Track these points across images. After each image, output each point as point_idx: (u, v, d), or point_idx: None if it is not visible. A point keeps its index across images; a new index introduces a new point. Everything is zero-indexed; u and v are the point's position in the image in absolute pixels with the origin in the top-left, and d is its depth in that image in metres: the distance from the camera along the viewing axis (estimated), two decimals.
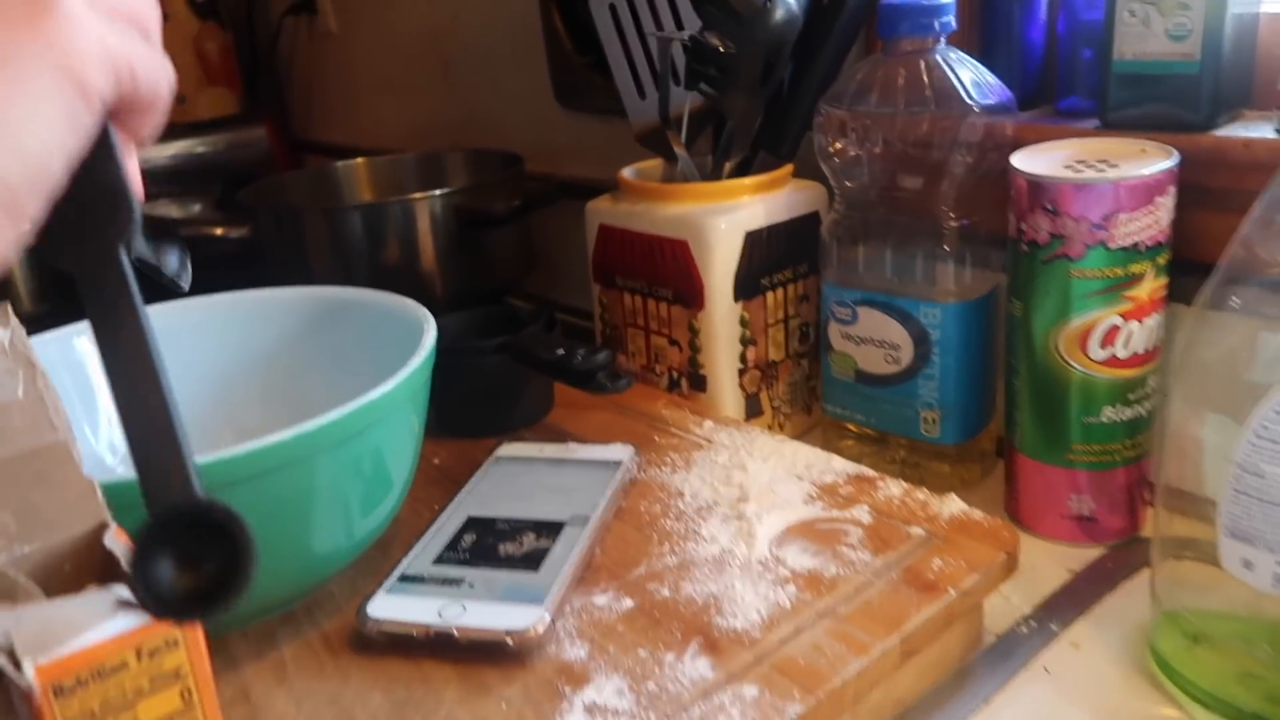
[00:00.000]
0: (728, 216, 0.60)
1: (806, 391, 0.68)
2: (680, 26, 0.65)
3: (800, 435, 0.68)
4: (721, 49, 0.55)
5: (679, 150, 0.64)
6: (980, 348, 0.57)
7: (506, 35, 0.97)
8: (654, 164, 0.70)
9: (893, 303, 0.57)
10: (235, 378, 0.55)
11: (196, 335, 0.54)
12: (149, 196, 1.11)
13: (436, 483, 0.55)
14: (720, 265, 0.60)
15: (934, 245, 0.55)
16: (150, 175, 1.12)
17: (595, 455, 0.53)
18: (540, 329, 0.61)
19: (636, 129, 0.69)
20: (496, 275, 0.88)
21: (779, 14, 0.53)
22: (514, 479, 0.52)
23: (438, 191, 0.81)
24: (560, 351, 0.55)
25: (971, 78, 0.53)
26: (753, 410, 0.64)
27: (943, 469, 0.59)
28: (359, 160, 1.00)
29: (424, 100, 1.13)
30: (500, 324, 0.66)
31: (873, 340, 0.58)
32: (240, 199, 0.90)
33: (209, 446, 0.54)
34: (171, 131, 1.33)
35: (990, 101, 0.53)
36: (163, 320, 0.55)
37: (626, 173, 0.67)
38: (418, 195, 0.81)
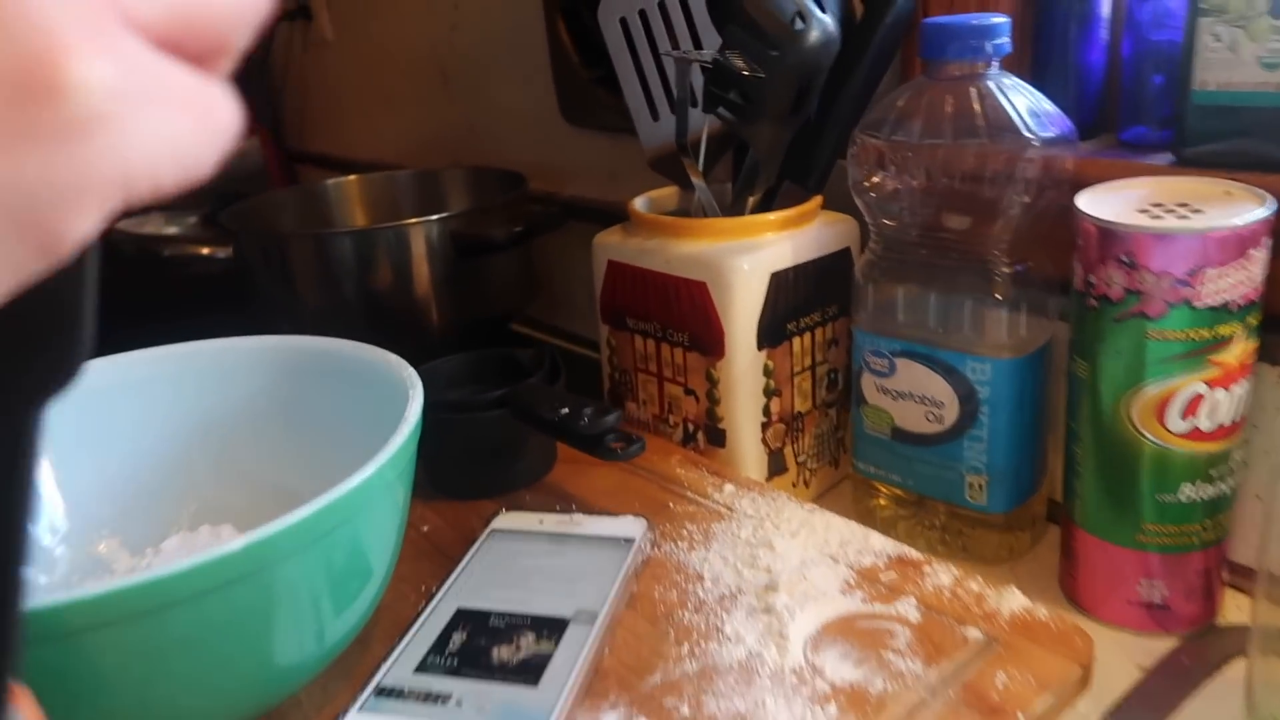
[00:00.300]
0: (751, 256, 0.54)
1: (834, 443, 0.62)
2: (698, 44, 0.59)
3: (826, 491, 0.62)
4: (747, 73, 0.49)
5: (697, 180, 0.58)
6: (1033, 406, 0.51)
7: (508, 47, 0.91)
8: (668, 192, 0.64)
9: (935, 355, 0.51)
10: (193, 440, 0.49)
11: (148, 391, 0.48)
12: (134, 210, 1.06)
13: (425, 555, 0.50)
14: (742, 310, 0.54)
15: (983, 293, 0.49)
16: None
17: (603, 530, 0.47)
18: (542, 379, 0.55)
19: (649, 154, 0.63)
20: (496, 304, 0.82)
21: (814, 36, 0.47)
22: (511, 559, 0.46)
23: (434, 216, 0.75)
24: (565, 410, 0.49)
25: (1028, 106, 0.47)
26: (776, 467, 0.58)
27: (989, 538, 0.53)
28: (351, 178, 0.94)
29: (422, 113, 1.07)
30: (498, 370, 0.60)
31: (912, 395, 0.52)
32: (222, 221, 0.85)
33: (162, 525, 0.48)
34: None
35: (1050, 133, 0.47)
36: (110, 375, 0.49)
37: (638, 204, 0.62)
38: (412, 220, 0.75)
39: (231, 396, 0.48)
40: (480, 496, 0.55)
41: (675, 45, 0.61)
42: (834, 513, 0.59)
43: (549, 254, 0.89)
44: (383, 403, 0.44)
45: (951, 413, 0.51)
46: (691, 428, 0.59)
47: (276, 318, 0.80)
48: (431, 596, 0.44)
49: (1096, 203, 0.44)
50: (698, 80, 0.55)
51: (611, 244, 0.60)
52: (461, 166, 0.94)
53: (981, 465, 0.51)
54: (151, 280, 1.04)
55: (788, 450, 0.59)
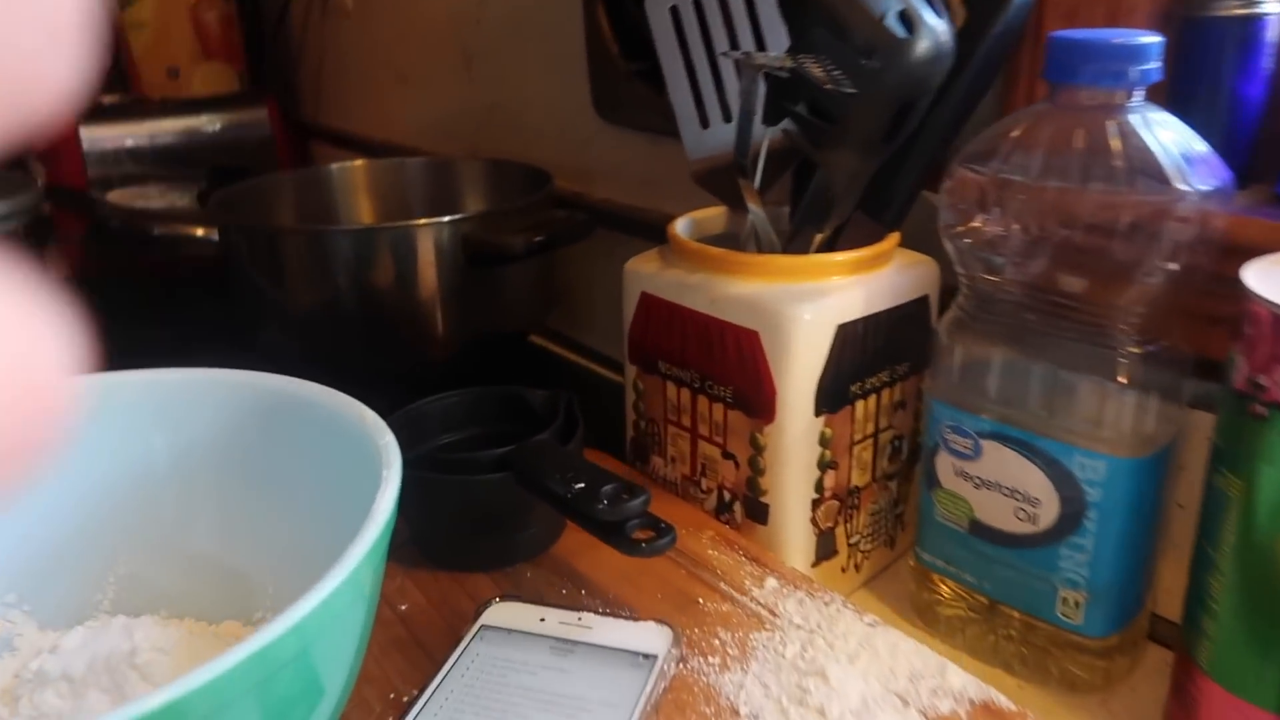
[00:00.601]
0: (814, 304, 0.45)
1: (891, 520, 0.53)
2: (761, 43, 0.50)
3: (879, 574, 0.53)
4: (831, 87, 0.40)
5: (754, 207, 0.49)
6: (1151, 514, 0.42)
7: (540, 29, 0.82)
8: (713, 213, 0.55)
9: (1035, 443, 0.42)
10: (123, 494, 0.40)
11: (73, 430, 0.39)
12: (131, 179, 0.96)
13: (398, 648, 0.41)
14: (801, 368, 0.45)
15: (1104, 373, 0.40)
16: (134, 156, 0.97)
17: (619, 641, 0.38)
18: (555, 435, 0.46)
19: (694, 166, 0.54)
20: (509, 318, 0.73)
21: (922, 47, 0.38)
22: (502, 673, 0.37)
23: (445, 218, 0.66)
24: (580, 485, 0.40)
25: (1181, 148, 0.38)
26: (825, 551, 0.49)
27: (1081, 662, 0.44)
28: (358, 164, 0.85)
29: (442, 94, 0.98)
30: (503, 412, 0.51)
31: (1000, 487, 0.43)
32: (209, 208, 0.76)
33: (80, 597, 0.38)
34: (161, 108, 1.19)
35: (1208, 185, 0.38)
36: None
37: (680, 227, 0.52)
38: (421, 221, 0.66)
39: (171, 442, 0.39)
40: (472, 569, 0.46)
41: (733, 42, 0.51)
42: (890, 608, 0.50)
43: (572, 261, 0.80)
44: (352, 470, 0.35)
45: (1049, 513, 0.42)
46: (728, 496, 0.50)
47: (263, 318, 0.72)
48: (403, 715, 0.35)
49: (1269, 281, 0.34)
50: (764, 89, 0.45)
51: (646, 273, 0.51)
52: (480, 158, 0.85)
53: (1081, 579, 0.42)
54: (136, 260, 0.96)
55: (839, 530, 0.50)
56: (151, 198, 1.11)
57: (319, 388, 0.38)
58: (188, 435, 0.39)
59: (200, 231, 0.89)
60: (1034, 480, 0.42)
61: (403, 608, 0.44)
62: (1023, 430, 0.42)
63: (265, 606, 0.39)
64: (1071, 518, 0.42)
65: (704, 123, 0.54)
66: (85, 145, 1.11)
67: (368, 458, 0.34)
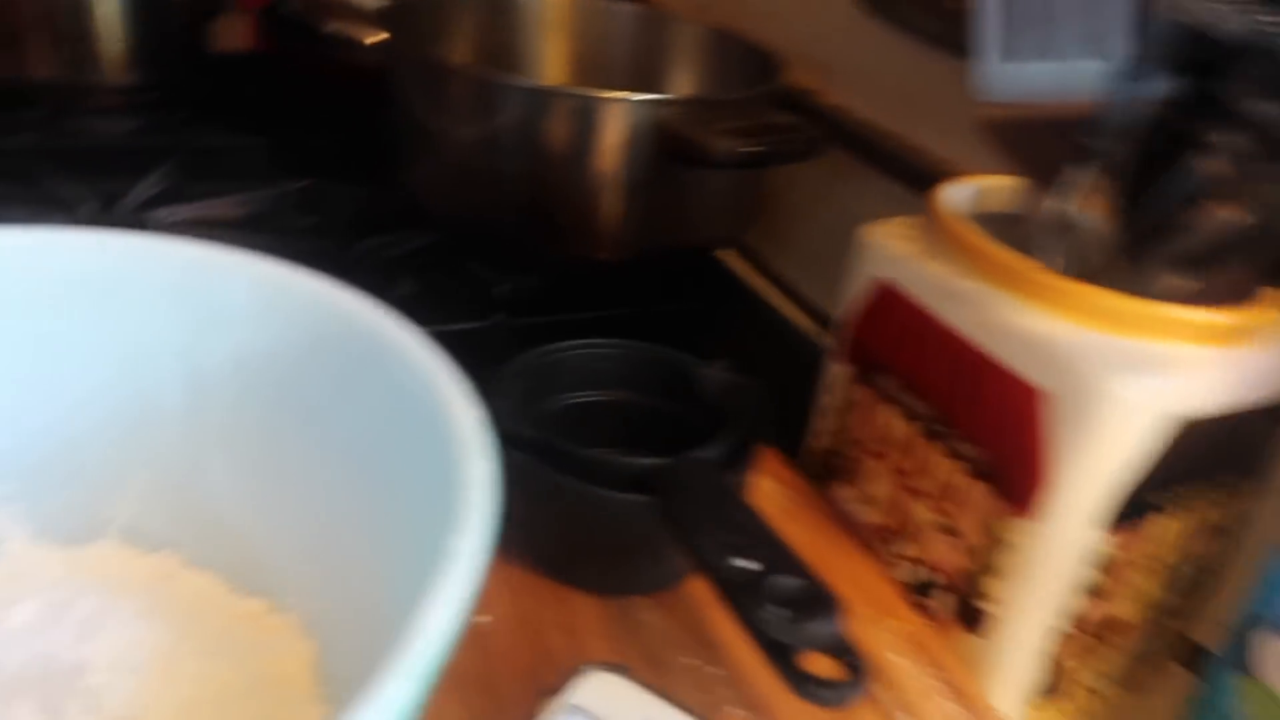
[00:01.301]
0: (1149, 379, 0.30)
1: (1151, 663, 0.39)
2: None
3: None
4: None
5: (1089, 214, 0.33)
6: None
7: None
8: (1002, 183, 0.40)
9: None
10: (121, 395, 0.29)
11: (101, 303, 0.28)
12: None
13: (464, 691, 0.30)
14: (1099, 462, 0.30)
15: None
16: None
17: None
18: (728, 452, 0.34)
19: (983, 112, 0.38)
20: (700, 230, 0.60)
21: None
22: None
23: (641, 96, 0.53)
24: (742, 563, 0.28)
25: None
26: (1051, 688, 0.36)
27: None
28: None
29: None
30: (661, 384, 0.39)
31: None
32: (380, 16, 0.64)
33: (76, 525, 0.28)
34: None
35: None
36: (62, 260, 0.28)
37: (953, 198, 0.37)
38: (610, 94, 0.53)
39: (187, 348, 0.28)
40: (580, 587, 0.35)
41: None
42: None
43: (789, 173, 0.65)
44: (425, 469, 0.23)
45: None
46: (933, 579, 0.37)
47: (417, 153, 0.61)
48: None
49: None
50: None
51: (892, 255, 0.36)
52: (703, 25, 0.70)
53: None
54: (300, 56, 0.86)
55: (1079, 668, 0.36)
56: None
57: (412, 340, 0.26)
58: (211, 342, 0.28)
59: (369, 40, 0.78)
60: None
61: (487, 618, 0.33)
62: None
63: (296, 593, 0.29)
64: None
65: (1010, 49, 0.37)
66: None
67: (447, 474, 0.22)
